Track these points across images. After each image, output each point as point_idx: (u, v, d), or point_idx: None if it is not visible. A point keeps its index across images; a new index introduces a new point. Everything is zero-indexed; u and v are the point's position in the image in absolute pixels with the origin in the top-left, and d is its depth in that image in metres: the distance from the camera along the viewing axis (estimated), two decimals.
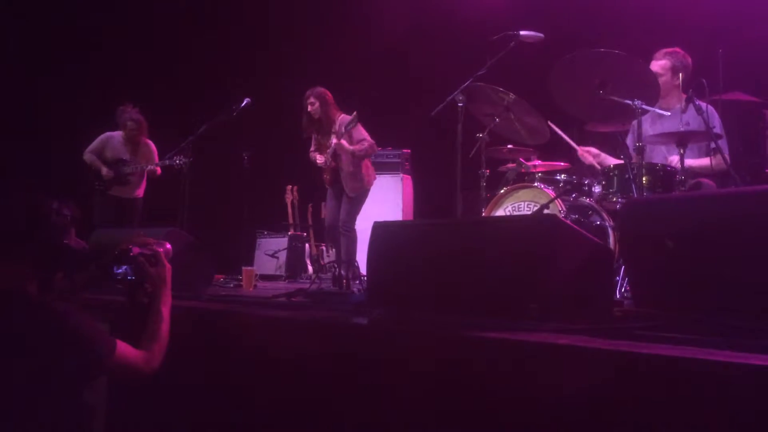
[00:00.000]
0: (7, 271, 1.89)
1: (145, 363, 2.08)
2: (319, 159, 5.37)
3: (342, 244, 5.37)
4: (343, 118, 5.29)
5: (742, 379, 1.56)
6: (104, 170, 6.08)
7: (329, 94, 5.32)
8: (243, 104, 5.33)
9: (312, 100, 5.28)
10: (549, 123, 4.54)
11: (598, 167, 4.39)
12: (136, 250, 2.22)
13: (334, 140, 5.16)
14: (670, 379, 1.66)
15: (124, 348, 2.00)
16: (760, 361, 1.56)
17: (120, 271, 2.22)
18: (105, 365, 1.93)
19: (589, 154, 4.49)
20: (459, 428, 2.06)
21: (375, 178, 5.49)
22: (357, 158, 5.21)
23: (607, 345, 1.86)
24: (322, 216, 7.75)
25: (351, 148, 5.17)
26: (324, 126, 5.34)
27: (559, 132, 4.57)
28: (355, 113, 5.09)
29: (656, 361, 1.70)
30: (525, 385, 1.92)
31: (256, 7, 7.62)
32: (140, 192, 6.33)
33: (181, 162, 5.65)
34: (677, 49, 4.29)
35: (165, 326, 2.20)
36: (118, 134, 6.25)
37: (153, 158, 6.24)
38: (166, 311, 2.22)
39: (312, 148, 5.55)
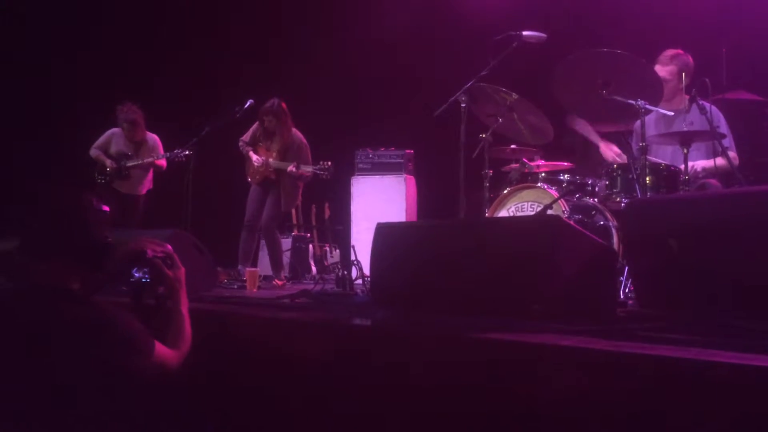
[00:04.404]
0: (54, 269, 1.90)
1: (177, 361, 2.13)
2: (255, 159, 5.46)
3: (269, 247, 5.59)
4: (296, 134, 5.47)
5: (746, 380, 1.55)
6: (108, 162, 6.11)
7: (285, 110, 5.45)
8: (246, 105, 5.35)
9: (270, 118, 5.38)
10: (571, 120, 4.55)
11: (620, 161, 4.38)
12: (150, 252, 2.23)
13: (291, 168, 5.30)
14: (674, 381, 1.66)
15: (160, 347, 2.04)
16: (764, 362, 1.56)
17: (138, 273, 2.23)
18: (146, 365, 1.95)
19: (611, 150, 4.48)
20: (462, 429, 2.06)
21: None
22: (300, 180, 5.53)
23: (610, 346, 1.86)
24: (326, 217, 7.79)
25: (299, 173, 5.38)
26: (276, 136, 5.48)
27: (583, 130, 4.56)
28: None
29: (660, 362, 1.70)
30: (527, 386, 1.92)
31: (260, 6, 7.62)
32: (143, 189, 6.30)
33: (183, 155, 5.67)
34: (680, 51, 4.26)
35: (188, 326, 2.25)
36: (121, 130, 6.28)
37: (158, 151, 6.22)
38: (186, 311, 2.25)
39: (246, 138, 5.60)
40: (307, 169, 5.35)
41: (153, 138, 6.26)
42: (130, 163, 6.11)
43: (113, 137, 6.21)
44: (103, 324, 1.84)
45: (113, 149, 6.19)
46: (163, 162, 6.15)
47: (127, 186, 6.20)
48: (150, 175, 6.31)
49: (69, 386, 1.78)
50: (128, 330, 1.90)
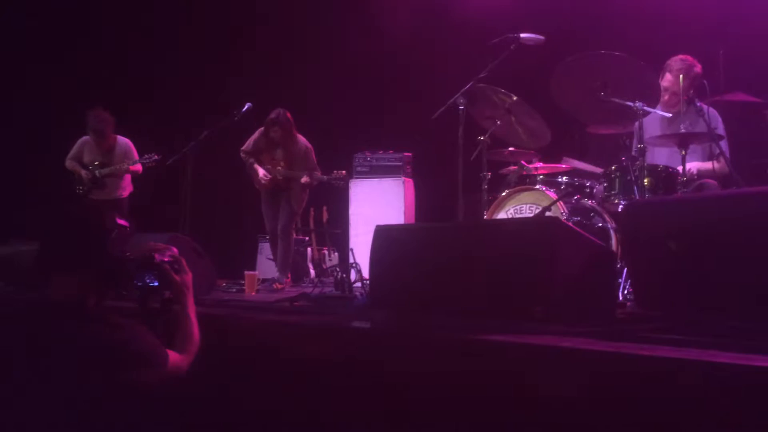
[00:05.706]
0: (72, 283, 1.90)
1: (186, 365, 2.15)
2: (263, 174, 5.46)
3: (281, 249, 5.53)
4: (300, 140, 5.45)
5: (746, 380, 1.55)
6: (83, 173, 6.07)
7: (291, 120, 5.43)
8: (244, 109, 5.34)
9: (276, 129, 5.37)
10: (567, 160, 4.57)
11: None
12: (158, 257, 2.23)
13: (305, 179, 5.34)
14: (674, 381, 1.66)
15: (173, 356, 2.07)
16: (763, 363, 1.56)
17: (149, 279, 2.23)
18: (160, 375, 1.96)
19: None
20: (463, 431, 2.06)
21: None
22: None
23: (610, 347, 1.86)
24: (324, 220, 7.79)
25: (313, 180, 5.42)
26: (281, 146, 5.47)
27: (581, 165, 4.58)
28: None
29: (659, 362, 1.70)
30: (528, 387, 1.92)
31: (258, 8, 7.62)
32: (122, 192, 6.23)
33: (153, 159, 5.70)
34: (690, 61, 4.12)
35: (197, 330, 2.27)
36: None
37: (131, 155, 6.14)
38: (193, 315, 2.27)
39: (248, 148, 5.57)
40: (321, 179, 5.38)
41: (124, 142, 6.15)
42: (103, 171, 6.07)
43: (85, 146, 6.14)
44: (121, 343, 1.85)
45: (86, 158, 6.13)
46: (138, 167, 6.10)
47: (105, 194, 6.14)
48: (127, 179, 6.25)
49: (86, 405, 1.78)
50: (145, 346, 1.92)
